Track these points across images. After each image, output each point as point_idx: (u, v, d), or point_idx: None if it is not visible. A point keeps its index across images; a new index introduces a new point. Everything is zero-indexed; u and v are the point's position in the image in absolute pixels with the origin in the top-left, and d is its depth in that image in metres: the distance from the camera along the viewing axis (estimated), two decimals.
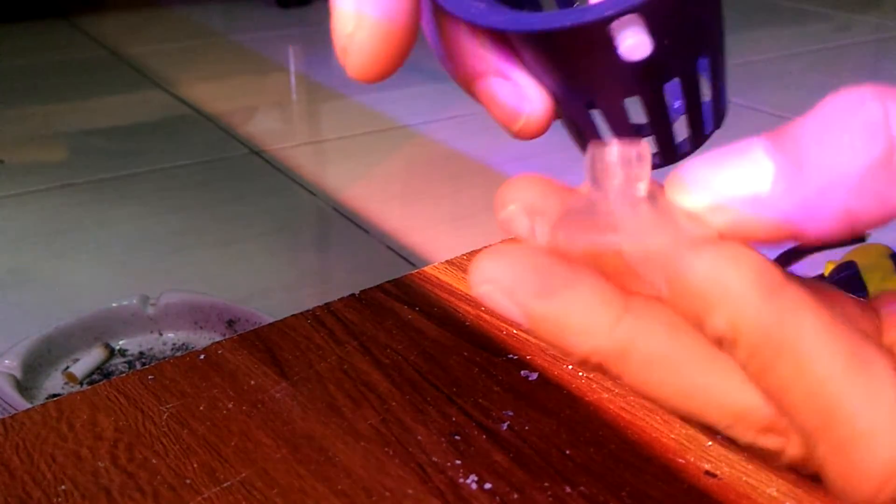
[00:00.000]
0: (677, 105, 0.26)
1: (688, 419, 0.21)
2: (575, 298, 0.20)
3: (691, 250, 0.20)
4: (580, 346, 0.20)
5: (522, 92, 0.24)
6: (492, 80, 0.24)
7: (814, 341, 0.19)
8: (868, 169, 0.19)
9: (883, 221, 0.20)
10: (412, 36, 0.22)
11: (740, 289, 0.19)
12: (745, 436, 0.21)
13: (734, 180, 0.20)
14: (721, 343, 0.20)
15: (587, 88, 0.24)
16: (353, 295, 0.44)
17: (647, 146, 0.21)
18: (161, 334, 0.83)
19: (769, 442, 0.20)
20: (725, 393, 0.20)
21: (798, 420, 0.19)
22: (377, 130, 1.50)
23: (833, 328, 0.19)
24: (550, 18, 0.22)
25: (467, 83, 0.24)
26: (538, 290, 0.20)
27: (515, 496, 0.31)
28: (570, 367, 0.38)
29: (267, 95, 1.70)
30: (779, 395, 0.19)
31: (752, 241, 0.20)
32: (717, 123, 0.27)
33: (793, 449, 0.20)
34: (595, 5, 0.21)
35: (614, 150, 0.21)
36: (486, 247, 0.48)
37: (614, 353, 0.20)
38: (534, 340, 0.40)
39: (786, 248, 0.87)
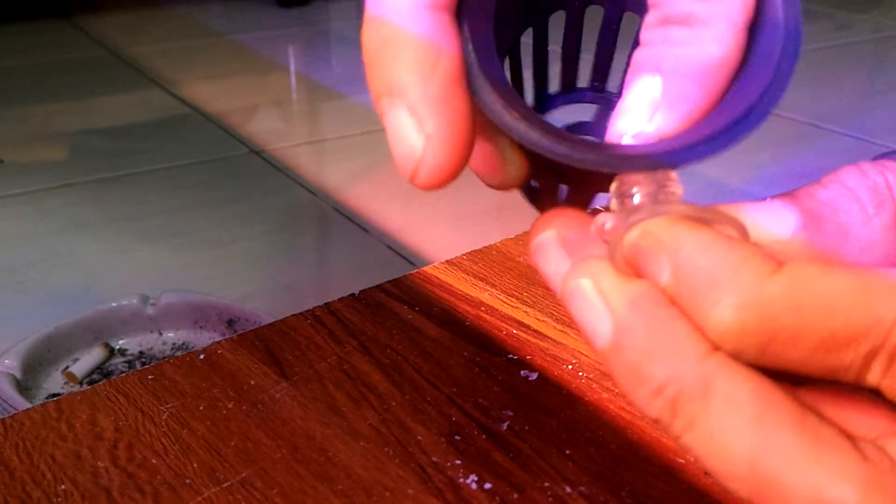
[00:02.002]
0: None
1: None
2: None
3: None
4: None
5: (505, 156, 0.23)
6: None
7: (832, 284, 0.19)
8: (877, 230, 0.21)
9: None
10: (473, 140, 0.22)
11: (747, 270, 0.19)
12: None
13: (761, 227, 0.21)
14: (727, 336, 0.19)
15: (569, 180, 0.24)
16: (353, 295, 0.44)
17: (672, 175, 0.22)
18: (161, 334, 0.83)
19: None
20: None
21: (849, 355, 0.19)
22: (377, 130, 1.50)
23: (837, 270, 0.19)
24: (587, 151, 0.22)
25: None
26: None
27: (515, 496, 0.31)
28: (570, 367, 0.38)
29: (267, 95, 1.70)
30: (822, 346, 0.19)
31: None
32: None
33: None
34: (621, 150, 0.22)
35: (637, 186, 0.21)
36: (485, 248, 0.48)
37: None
38: (534, 340, 0.40)
39: None
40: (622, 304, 0.20)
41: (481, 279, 0.45)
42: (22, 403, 0.69)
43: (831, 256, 0.21)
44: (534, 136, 0.22)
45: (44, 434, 0.35)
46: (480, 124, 0.23)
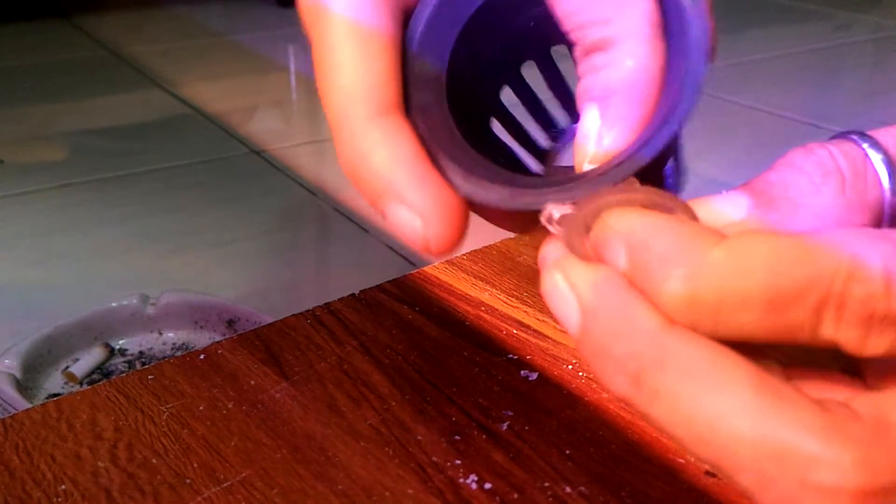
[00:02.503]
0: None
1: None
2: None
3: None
4: None
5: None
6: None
7: (782, 249, 0.20)
8: (827, 198, 0.22)
9: None
10: (466, 205, 0.25)
11: (690, 243, 0.21)
12: None
13: (715, 213, 0.23)
14: (681, 308, 0.20)
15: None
16: (353, 295, 0.44)
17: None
18: (161, 334, 0.83)
19: None
20: None
21: (799, 314, 0.20)
22: None
23: (778, 236, 0.21)
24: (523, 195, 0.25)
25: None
26: None
27: (515, 496, 0.31)
28: (570, 367, 0.38)
29: (267, 95, 1.70)
30: (770, 311, 0.20)
31: None
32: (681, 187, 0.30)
33: None
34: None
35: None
36: (485, 247, 0.48)
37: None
38: (534, 340, 0.40)
39: None
40: (587, 290, 0.22)
41: (481, 279, 0.45)
42: (22, 403, 0.69)
43: (785, 229, 0.22)
44: (479, 194, 0.25)
45: (44, 434, 0.35)
46: None
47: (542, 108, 0.32)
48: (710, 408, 0.20)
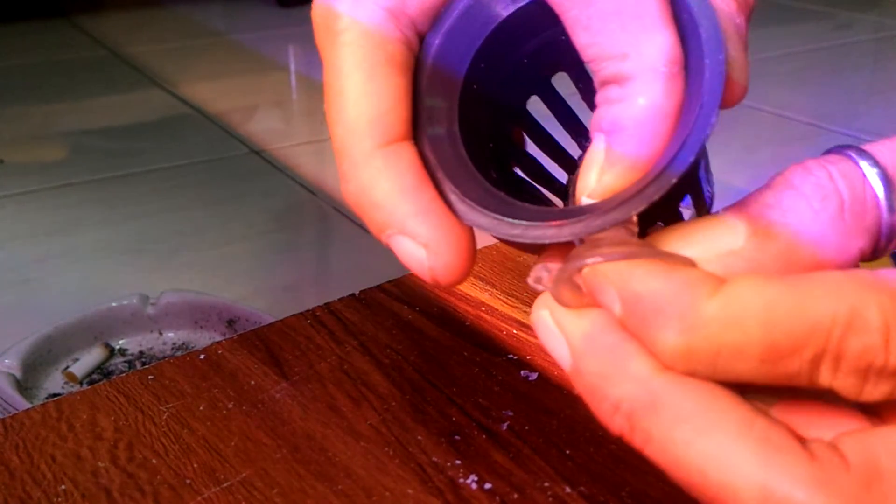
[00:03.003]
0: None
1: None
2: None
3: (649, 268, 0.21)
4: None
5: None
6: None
7: (779, 301, 0.20)
8: (825, 223, 0.22)
9: (846, 265, 0.22)
10: (470, 228, 0.25)
11: (685, 294, 0.20)
12: None
13: (712, 241, 0.22)
14: (678, 360, 0.20)
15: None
16: (353, 295, 0.44)
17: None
18: (161, 334, 0.83)
19: None
20: None
21: (795, 363, 0.20)
22: None
23: (768, 282, 0.20)
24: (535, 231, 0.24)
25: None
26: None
27: (515, 496, 0.31)
28: None
29: (267, 95, 1.70)
30: (770, 371, 0.20)
31: None
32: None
33: None
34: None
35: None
36: (485, 248, 0.48)
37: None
38: (534, 340, 0.40)
39: None
40: (576, 332, 0.22)
41: (481, 279, 0.45)
42: (22, 403, 0.69)
43: (785, 258, 0.22)
44: (483, 222, 0.24)
45: (44, 434, 0.35)
46: None
47: (572, 123, 0.31)
48: (702, 453, 0.20)
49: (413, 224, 0.24)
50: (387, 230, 0.25)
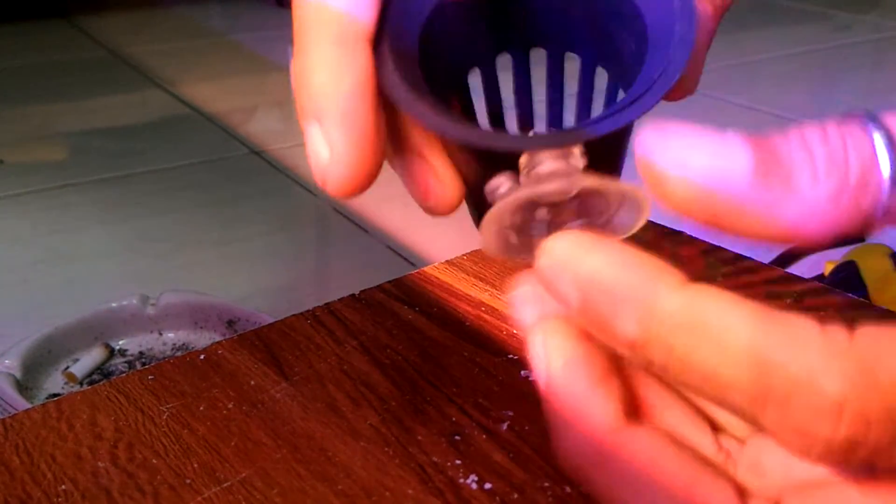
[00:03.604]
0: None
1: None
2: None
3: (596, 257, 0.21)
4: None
5: (437, 175, 0.26)
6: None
7: (728, 314, 0.19)
8: (822, 195, 0.21)
9: (825, 240, 0.22)
10: (380, 153, 0.25)
11: (648, 285, 0.20)
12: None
13: (710, 161, 0.21)
14: (633, 349, 0.20)
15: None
16: (353, 295, 0.44)
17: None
18: (161, 334, 0.83)
19: None
20: None
21: (736, 399, 0.19)
22: None
23: (741, 301, 0.20)
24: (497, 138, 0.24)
25: (389, 157, 0.26)
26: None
27: (515, 496, 0.31)
28: None
29: (267, 95, 1.70)
30: (708, 382, 0.20)
31: (706, 223, 0.22)
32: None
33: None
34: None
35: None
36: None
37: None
38: None
39: (782, 251, 0.87)
40: (556, 369, 0.23)
41: (481, 279, 0.45)
42: (22, 403, 0.69)
43: (773, 199, 0.21)
44: (438, 122, 0.24)
45: (44, 434, 0.35)
46: (411, 145, 0.26)
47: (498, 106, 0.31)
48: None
49: (331, 123, 0.24)
50: (306, 115, 0.25)
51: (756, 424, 0.20)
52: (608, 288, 0.20)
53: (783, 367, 0.19)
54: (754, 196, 0.21)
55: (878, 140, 0.21)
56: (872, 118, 0.22)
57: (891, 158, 0.21)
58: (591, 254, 0.21)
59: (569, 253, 0.21)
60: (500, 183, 0.24)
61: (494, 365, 0.38)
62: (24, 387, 0.73)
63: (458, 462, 0.33)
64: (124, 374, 0.38)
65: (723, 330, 0.19)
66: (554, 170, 0.23)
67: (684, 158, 0.21)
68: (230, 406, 0.36)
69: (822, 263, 0.92)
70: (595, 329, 0.21)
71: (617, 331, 0.20)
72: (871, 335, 0.19)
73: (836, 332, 0.19)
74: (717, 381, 0.19)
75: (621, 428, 0.21)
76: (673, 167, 0.21)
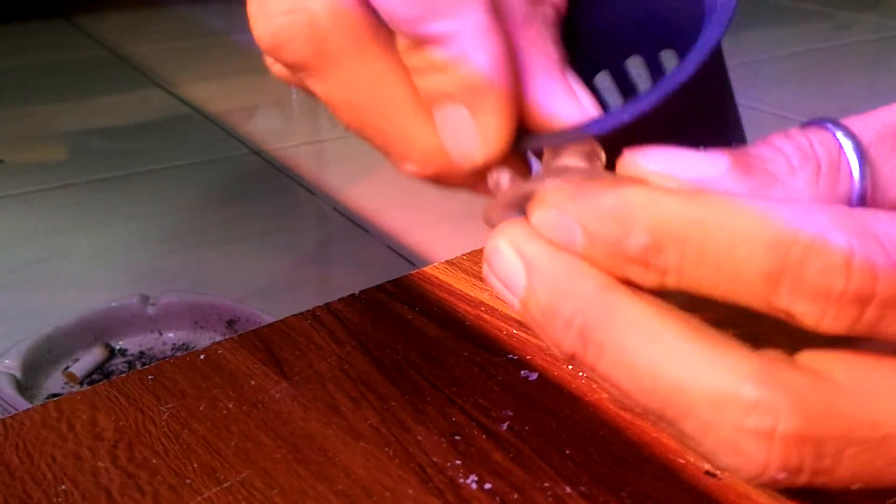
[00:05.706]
0: None
1: None
2: None
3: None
4: None
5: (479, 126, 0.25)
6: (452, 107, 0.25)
7: (733, 199, 0.21)
8: (801, 181, 0.22)
9: None
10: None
11: (652, 197, 0.21)
12: None
13: (691, 163, 0.23)
14: (647, 262, 0.21)
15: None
16: (353, 295, 0.44)
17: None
18: (161, 334, 0.83)
19: None
20: None
21: (751, 280, 0.20)
22: None
23: (748, 200, 0.21)
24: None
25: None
26: None
27: (515, 496, 0.31)
28: (570, 367, 0.38)
29: (267, 95, 1.70)
30: (723, 270, 0.20)
31: None
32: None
33: None
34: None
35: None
36: (485, 247, 0.48)
37: None
38: (534, 340, 0.40)
39: None
40: (533, 252, 0.22)
41: (481, 279, 0.45)
42: (22, 403, 0.69)
43: (759, 197, 0.22)
44: None
45: (44, 434, 0.35)
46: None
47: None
48: (653, 356, 0.20)
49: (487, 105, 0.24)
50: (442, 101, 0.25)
51: (769, 308, 0.20)
52: (612, 212, 0.21)
53: (795, 231, 0.20)
54: (738, 189, 0.22)
55: (839, 133, 0.23)
56: (828, 119, 0.24)
57: (854, 146, 0.23)
58: (589, 189, 0.22)
59: (566, 194, 0.22)
60: (501, 175, 0.24)
61: (494, 365, 0.38)
62: (24, 387, 0.73)
63: (458, 462, 0.33)
64: (124, 374, 0.38)
65: (732, 212, 0.20)
66: (565, 167, 0.24)
67: (667, 163, 0.23)
68: (230, 406, 0.36)
69: None
70: (605, 256, 0.22)
71: (630, 247, 0.21)
72: (866, 209, 0.21)
73: (838, 205, 0.21)
74: (732, 265, 0.20)
75: (618, 283, 0.22)
76: (657, 172, 0.22)
